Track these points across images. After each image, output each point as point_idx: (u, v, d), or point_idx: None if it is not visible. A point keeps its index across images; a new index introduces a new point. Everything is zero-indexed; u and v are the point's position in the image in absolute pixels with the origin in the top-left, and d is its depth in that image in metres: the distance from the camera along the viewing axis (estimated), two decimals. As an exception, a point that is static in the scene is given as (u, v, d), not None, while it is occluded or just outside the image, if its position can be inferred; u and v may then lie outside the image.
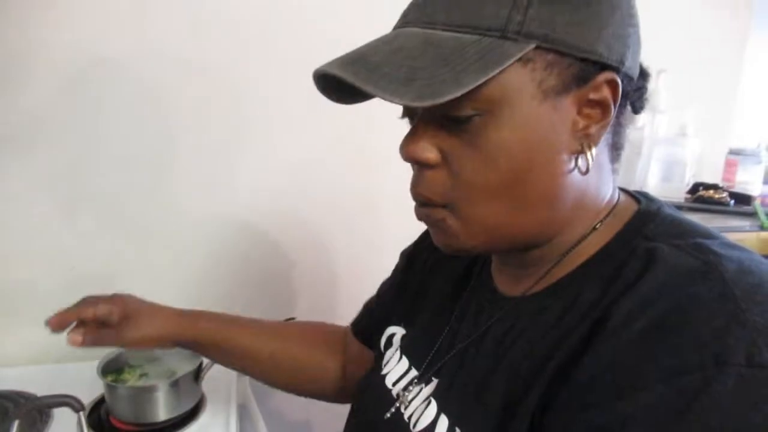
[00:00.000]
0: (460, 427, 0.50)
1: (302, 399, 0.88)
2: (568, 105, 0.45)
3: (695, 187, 1.41)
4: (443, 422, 0.52)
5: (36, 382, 0.98)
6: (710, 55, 1.53)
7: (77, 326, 0.70)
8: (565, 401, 0.42)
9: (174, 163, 1.12)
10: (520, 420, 0.44)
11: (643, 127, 1.32)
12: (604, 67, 0.45)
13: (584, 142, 0.46)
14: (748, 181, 1.45)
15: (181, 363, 0.99)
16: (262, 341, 0.81)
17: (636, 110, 0.54)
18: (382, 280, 0.81)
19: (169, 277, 1.16)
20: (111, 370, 0.95)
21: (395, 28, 0.48)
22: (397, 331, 0.70)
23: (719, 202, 1.35)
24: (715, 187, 1.40)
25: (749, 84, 1.66)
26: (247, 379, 1.10)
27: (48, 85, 1.02)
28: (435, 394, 0.56)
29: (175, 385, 0.93)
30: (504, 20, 0.42)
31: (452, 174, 0.46)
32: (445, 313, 0.62)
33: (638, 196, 0.55)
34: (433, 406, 0.54)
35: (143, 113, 1.08)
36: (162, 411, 0.92)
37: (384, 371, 0.65)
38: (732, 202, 1.36)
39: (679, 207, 1.32)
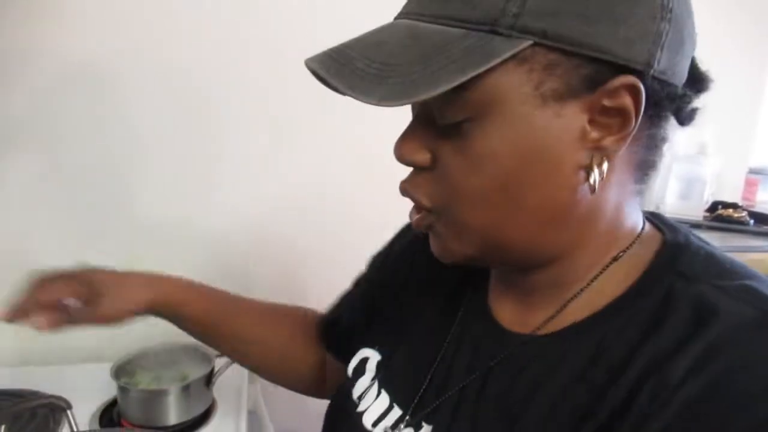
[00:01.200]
0: None
1: (313, 408, 0.88)
2: (576, 112, 0.38)
3: (714, 206, 1.40)
4: None
5: (50, 382, 0.99)
6: (732, 71, 1.52)
7: (40, 309, 0.60)
8: None
9: (169, 166, 1.12)
10: None
11: (661, 143, 1.31)
12: (623, 69, 0.37)
13: (595, 155, 0.40)
14: (769, 200, 1.43)
15: (194, 368, 0.99)
16: (243, 322, 0.74)
17: (682, 122, 0.44)
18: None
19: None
20: (124, 372, 0.96)
21: (395, 17, 0.43)
22: (372, 356, 0.60)
23: (739, 222, 1.34)
24: (734, 206, 1.38)
25: (771, 102, 1.64)
26: (258, 385, 1.10)
27: (35, 87, 1.03)
28: None
29: (186, 389, 0.93)
30: (497, 13, 0.36)
31: (440, 178, 0.43)
32: (434, 341, 0.54)
33: (655, 221, 0.48)
34: None
35: (139, 114, 1.08)
36: (173, 414, 0.92)
37: (360, 407, 0.56)
38: (752, 221, 1.34)
39: (698, 226, 1.31)
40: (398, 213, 0.55)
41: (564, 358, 0.43)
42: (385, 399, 0.55)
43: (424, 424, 0.49)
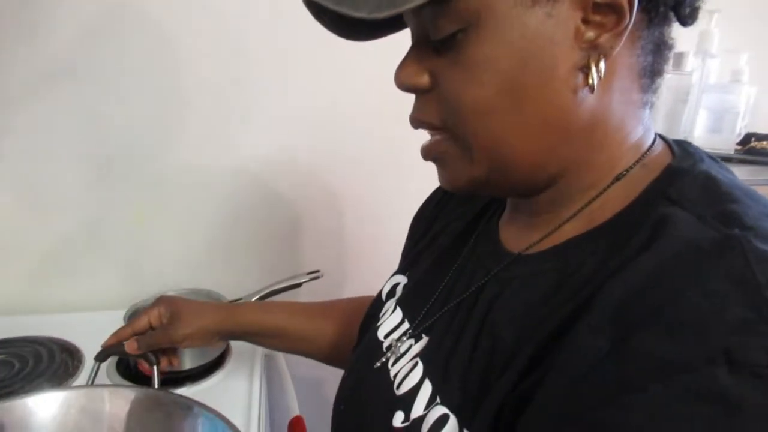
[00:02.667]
0: (440, 397, 0.46)
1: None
2: (567, 10, 0.38)
3: (747, 138, 1.32)
4: (426, 389, 0.48)
5: (63, 329, 1.01)
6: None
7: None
8: (538, 408, 0.36)
9: (183, 115, 1.10)
10: (488, 407, 0.40)
11: (692, 72, 1.23)
12: None
13: (592, 54, 0.39)
14: (807, 131, 1.35)
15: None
16: (298, 321, 0.82)
17: (683, 20, 0.43)
18: (402, 243, 0.77)
19: (186, 227, 1.16)
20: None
21: None
22: (401, 281, 0.66)
23: (772, 154, 1.26)
24: (769, 138, 1.30)
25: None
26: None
27: (61, 34, 1.00)
28: (422, 354, 0.51)
29: (200, 334, 0.94)
30: None
31: (443, 96, 0.43)
32: (445, 264, 0.57)
33: (674, 146, 0.46)
34: (419, 369, 0.50)
35: (149, 62, 1.05)
36: (188, 359, 0.93)
37: (379, 321, 0.62)
38: (787, 154, 1.27)
39: (728, 159, 1.24)
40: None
41: (536, 277, 0.44)
42: (398, 315, 0.59)
43: (423, 335, 0.53)
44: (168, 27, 1.04)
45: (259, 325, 0.80)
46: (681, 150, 0.45)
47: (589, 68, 0.39)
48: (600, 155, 0.44)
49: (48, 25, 0.99)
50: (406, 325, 0.57)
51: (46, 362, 0.93)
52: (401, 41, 0.48)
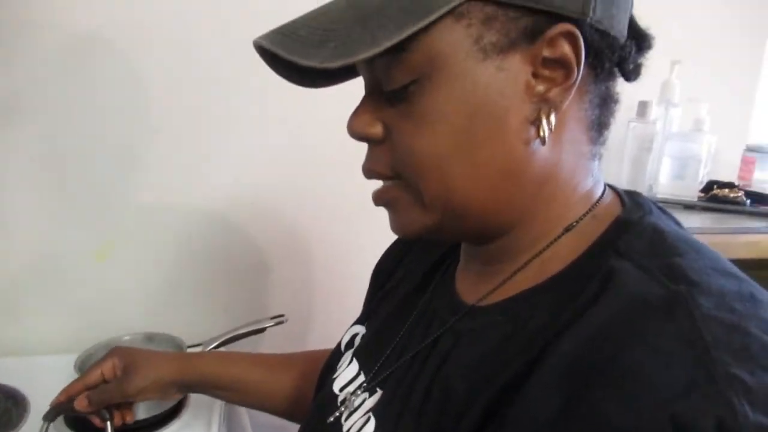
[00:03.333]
0: None
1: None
2: (518, 64, 0.39)
3: (709, 186, 1.35)
4: None
5: (9, 374, 0.95)
6: (729, 46, 1.46)
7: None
8: None
9: (148, 150, 1.07)
10: None
11: (655, 120, 1.26)
12: (560, 18, 0.38)
13: (543, 107, 0.40)
14: (766, 179, 1.38)
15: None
16: (257, 373, 0.79)
17: (627, 76, 0.46)
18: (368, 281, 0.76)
19: (145, 267, 1.12)
20: (87, 366, 0.91)
21: None
22: (360, 331, 0.65)
23: (735, 202, 1.29)
24: (730, 185, 1.33)
25: (769, 78, 1.59)
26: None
27: (33, 64, 0.98)
28: (375, 410, 0.50)
29: (155, 381, 0.89)
30: None
31: (395, 146, 0.43)
32: (403, 315, 0.56)
33: (624, 197, 0.47)
34: (371, 425, 0.49)
35: (123, 97, 1.03)
36: (142, 408, 0.88)
37: (335, 373, 0.61)
38: (748, 201, 1.30)
39: (692, 206, 1.26)
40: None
41: (487, 329, 0.44)
42: (354, 367, 0.59)
43: (378, 389, 0.52)
44: (135, 57, 1.02)
45: (217, 376, 0.76)
46: (630, 201, 0.46)
47: (540, 121, 0.40)
48: (551, 206, 0.44)
49: (10, 53, 0.96)
50: (361, 378, 0.56)
51: (-12, 410, 0.87)
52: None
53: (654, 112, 1.25)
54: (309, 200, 1.17)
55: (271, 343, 1.09)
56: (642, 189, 1.23)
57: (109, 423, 0.71)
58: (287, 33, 0.40)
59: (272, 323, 1.01)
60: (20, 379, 0.94)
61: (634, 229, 0.42)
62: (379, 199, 0.48)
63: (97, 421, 0.78)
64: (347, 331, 0.67)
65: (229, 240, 1.15)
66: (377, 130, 0.44)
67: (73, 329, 1.08)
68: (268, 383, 0.78)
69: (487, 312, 0.45)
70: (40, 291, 1.07)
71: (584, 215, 0.45)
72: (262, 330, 1.01)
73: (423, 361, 0.48)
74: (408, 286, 0.60)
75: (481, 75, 0.39)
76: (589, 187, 0.46)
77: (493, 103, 0.40)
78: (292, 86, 0.49)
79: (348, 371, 0.59)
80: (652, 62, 0.48)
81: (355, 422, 0.51)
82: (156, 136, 1.06)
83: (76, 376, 0.86)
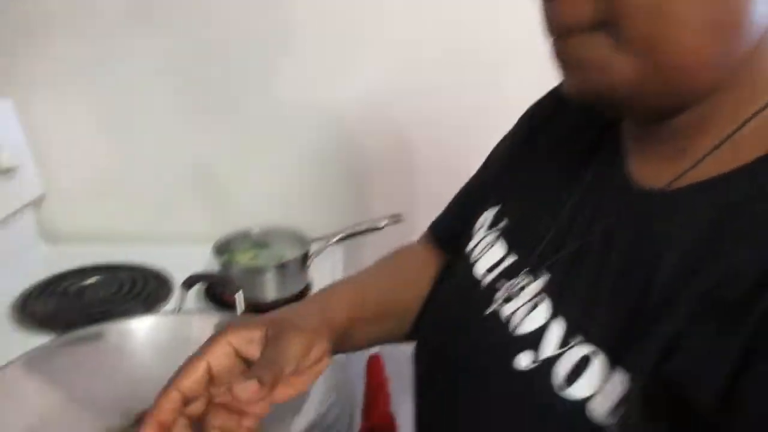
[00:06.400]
0: (582, 335, 0.41)
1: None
2: None
3: None
4: (557, 327, 0.43)
5: (153, 259, 1.06)
6: None
7: None
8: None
9: (286, 51, 1.09)
10: (649, 348, 0.36)
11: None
12: None
13: None
14: None
15: (290, 249, 1.02)
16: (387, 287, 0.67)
17: None
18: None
19: (279, 169, 1.18)
20: (225, 250, 0.99)
21: None
22: (491, 211, 0.58)
23: None
24: None
25: None
26: (354, 269, 1.11)
27: None
28: (549, 290, 0.46)
29: (283, 268, 0.96)
30: None
31: None
32: (558, 195, 0.51)
33: None
34: (545, 306, 0.45)
35: None
36: (270, 292, 0.96)
37: (473, 257, 0.54)
38: None
39: None
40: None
41: (687, 218, 0.39)
42: (500, 248, 0.53)
43: (544, 271, 0.47)
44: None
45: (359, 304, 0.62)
46: None
47: None
48: (752, 77, 0.38)
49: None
50: (511, 259, 0.52)
51: (139, 287, 0.99)
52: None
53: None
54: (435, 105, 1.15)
55: (387, 241, 1.12)
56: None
57: (239, 293, 0.78)
58: None
59: (390, 222, 1.03)
60: (166, 264, 1.05)
61: None
62: (571, 55, 0.40)
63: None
64: (481, 215, 0.60)
65: (354, 143, 1.17)
66: None
67: (206, 220, 1.17)
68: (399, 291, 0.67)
69: (681, 196, 0.40)
70: (189, 193, 1.18)
71: None
72: (380, 228, 1.03)
73: (602, 246, 0.44)
74: (557, 168, 0.54)
75: None
76: None
77: None
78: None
79: (492, 252, 0.54)
80: None
81: (520, 306, 0.47)
82: (293, 38, 1.08)
83: (212, 262, 0.95)
